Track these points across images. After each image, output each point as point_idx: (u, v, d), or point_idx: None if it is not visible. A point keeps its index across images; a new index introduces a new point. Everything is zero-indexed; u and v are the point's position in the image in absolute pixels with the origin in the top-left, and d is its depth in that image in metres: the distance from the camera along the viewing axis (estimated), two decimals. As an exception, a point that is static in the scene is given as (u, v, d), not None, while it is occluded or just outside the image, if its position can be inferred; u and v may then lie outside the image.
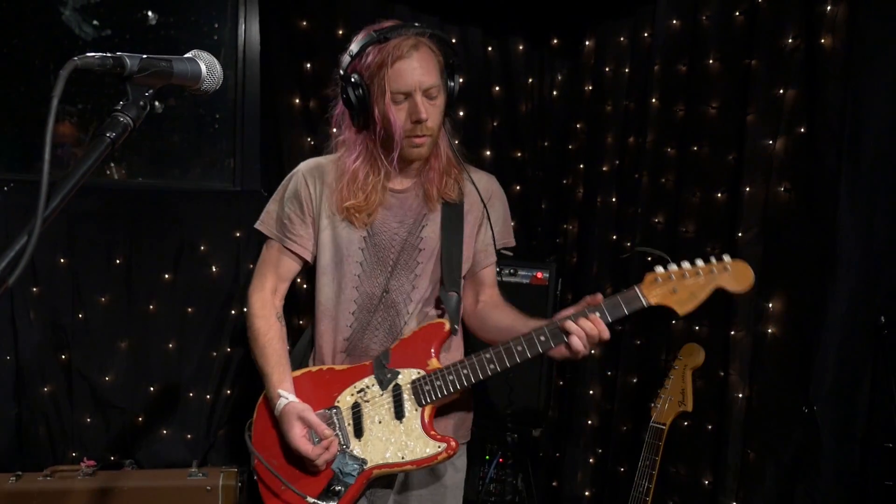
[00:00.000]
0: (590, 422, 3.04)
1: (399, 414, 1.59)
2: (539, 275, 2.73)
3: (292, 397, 1.62)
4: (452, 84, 1.62)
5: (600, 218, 3.03)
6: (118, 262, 2.84)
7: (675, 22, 2.76)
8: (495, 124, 3.21)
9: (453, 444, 1.56)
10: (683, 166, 2.70)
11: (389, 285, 1.67)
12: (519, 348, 1.53)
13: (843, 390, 2.20)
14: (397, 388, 1.60)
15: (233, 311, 2.94)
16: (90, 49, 3.17)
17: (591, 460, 3.04)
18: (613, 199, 3.01)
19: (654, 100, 2.80)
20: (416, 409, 1.58)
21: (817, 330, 2.22)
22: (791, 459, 2.29)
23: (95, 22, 3.15)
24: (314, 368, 1.71)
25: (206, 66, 1.11)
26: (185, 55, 1.11)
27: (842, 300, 2.19)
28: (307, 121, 2.98)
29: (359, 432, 1.61)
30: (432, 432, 1.57)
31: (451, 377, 1.56)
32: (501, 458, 2.73)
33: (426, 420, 1.57)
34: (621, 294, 1.52)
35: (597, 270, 3.04)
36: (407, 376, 1.60)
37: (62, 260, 2.78)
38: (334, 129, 1.72)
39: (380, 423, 1.59)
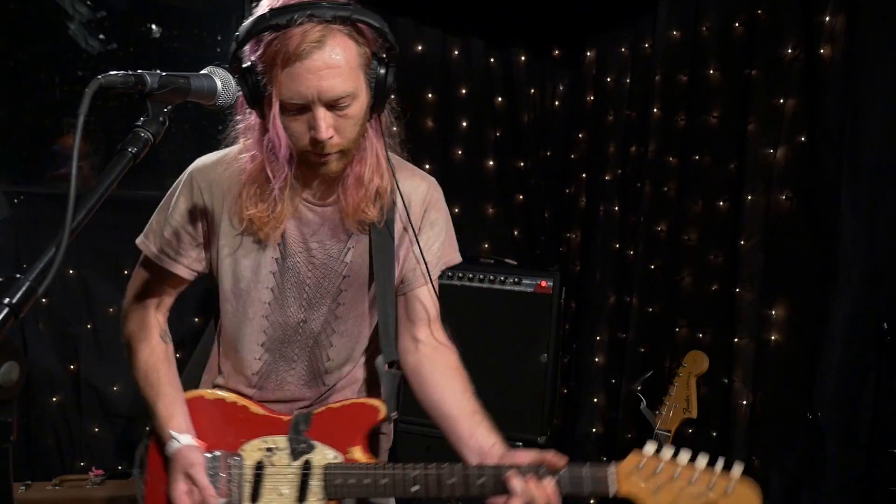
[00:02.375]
0: (594, 430, 3.05)
1: (302, 496, 1.34)
2: (543, 283, 2.75)
3: (185, 439, 1.35)
4: (383, 74, 1.23)
5: (603, 226, 3.06)
6: (126, 273, 2.86)
7: (675, 33, 2.79)
8: (498, 134, 3.24)
9: None
10: (685, 175, 2.73)
11: (308, 315, 1.39)
12: (451, 481, 1.24)
13: (846, 396, 2.21)
14: (308, 465, 1.34)
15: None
16: (95, 63, 3.21)
17: (595, 468, 3.04)
18: (616, 208, 3.04)
19: (655, 109, 2.83)
20: (321, 500, 1.33)
21: (820, 336, 2.24)
22: (795, 465, 2.30)
23: (101, 36, 3.18)
24: (229, 397, 1.43)
25: (222, 81, 1.14)
26: (202, 72, 1.14)
27: (844, 307, 2.21)
28: (312, 132, 3.00)
29: (255, 496, 1.36)
30: None
31: (367, 480, 1.29)
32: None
33: None
34: (592, 468, 1.21)
35: (600, 278, 3.07)
36: (321, 456, 1.34)
37: (71, 271, 2.80)
38: (238, 115, 1.33)
39: (279, 496, 1.35)
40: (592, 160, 3.14)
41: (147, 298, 1.47)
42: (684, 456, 1.20)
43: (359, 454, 1.35)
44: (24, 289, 0.78)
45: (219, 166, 1.39)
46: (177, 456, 1.33)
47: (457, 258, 1.49)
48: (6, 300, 0.76)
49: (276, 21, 1.15)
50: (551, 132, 3.32)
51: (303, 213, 1.36)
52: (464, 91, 3.16)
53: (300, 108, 1.20)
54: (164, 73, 1.01)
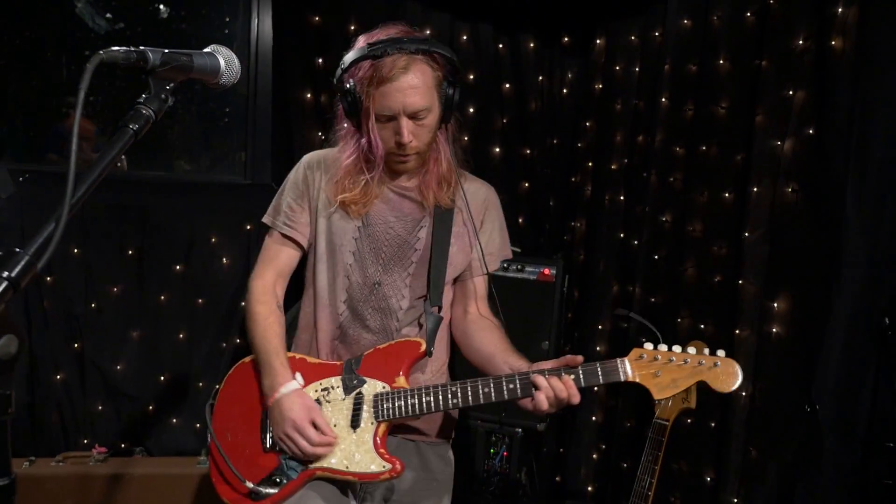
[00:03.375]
0: (594, 418, 3.06)
1: (355, 423, 1.56)
2: (546, 271, 2.75)
3: (299, 385, 1.60)
4: (451, 93, 1.58)
5: (608, 216, 3.05)
6: (130, 253, 2.88)
7: (686, 22, 2.77)
8: (505, 121, 3.22)
9: (398, 467, 1.53)
10: (692, 166, 2.72)
11: (382, 278, 1.65)
12: (486, 390, 1.50)
13: (846, 390, 2.21)
14: (360, 396, 1.58)
15: (242, 303, 2.96)
16: (102, 42, 3.20)
17: (594, 456, 3.06)
18: (621, 198, 3.03)
19: (663, 99, 2.81)
20: (372, 423, 1.55)
21: (822, 330, 2.24)
22: (793, 458, 2.31)
23: (108, 15, 3.18)
24: (287, 354, 1.67)
25: (225, 60, 1.14)
26: (205, 50, 1.13)
27: (847, 301, 2.21)
28: (318, 115, 3.01)
29: None
30: (381, 450, 1.54)
31: (412, 401, 1.54)
32: (506, 452, 2.76)
33: (379, 436, 1.55)
34: (602, 363, 1.48)
35: (603, 268, 3.06)
36: (372, 387, 1.58)
37: (75, 250, 2.82)
38: (338, 125, 1.71)
39: (335, 426, 1.56)
40: (599, 149, 3.12)
41: (269, 268, 1.73)
42: (677, 348, 1.50)
43: (403, 382, 1.57)
44: (23, 263, 0.78)
45: (324, 158, 1.73)
46: (299, 393, 1.57)
47: (509, 254, 1.80)
48: (5, 273, 0.76)
49: (374, 52, 1.51)
50: (558, 120, 3.30)
51: (388, 196, 1.68)
52: (471, 77, 3.14)
53: (388, 119, 1.54)
54: (166, 50, 1.01)
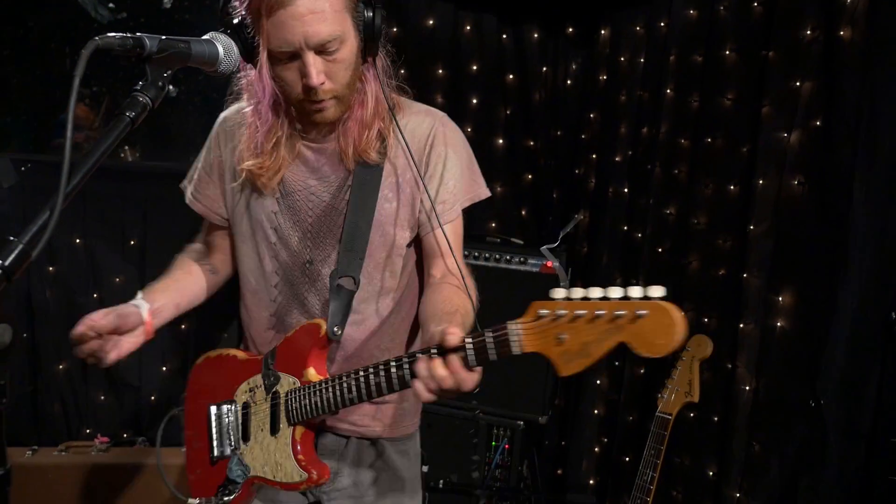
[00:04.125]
0: (596, 411, 3.05)
1: (274, 428, 1.38)
2: (549, 264, 2.74)
3: (140, 303, 1.43)
4: (371, 16, 1.25)
5: (612, 208, 3.03)
6: (133, 242, 2.88)
7: (691, 12, 2.74)
8: (508, 112, 3.20)
9: (315, 476, 1.34)
10: (697, 158, 2.69)
11: (313, 255, 1.40)
12: (377, 381, 1.22)
13: (850, 385, 2.20)
14: (276, 396, 1.38)
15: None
16: (105, 32, 3.19)
17: (596, 449, 3.06)
18: (625, 190, 3.01)
19: (668, 90, 2.78)
20: (288, 427, 1.36)
21: (826, 324, 2.22)
22: (796, 452, 2.30)
23: (111, 5, 3.16)
24: (224, 352, 1.52)
25: (224, 48, 1.13)
26: (203, 37, 1.12)
27: (852, 295, 2.19)
28: (321, 106, 2.99)
29: (246, 436, 1.43)
30: (300, 456, 1.35)
31: (315, 398, 1.31)
32: (507, 444, 2.76)
33: (297, 440, 1.36)
34: (491, 333, 1.07)
35: (607, 261, 3.05)
36: (285, 384, 1.38)
37: (78, 240, 2.82)
38: (241, 72, 1.36)
39: (262, 431, 1.41)
40: (603, 141, 3.10)
41: (198, 238, 1.61)
42: (594, 292, 0.97)
43: (312, 374, 1.35)
44: (17, 252, 0.77)
45: (235, 116, 1.45)
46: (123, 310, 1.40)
47: (483, 192, 1.47)
48: (-1, 262, 0.76)
49: None
50: (562, 111, 3.27)
51: (303, 154, 1.39)
52: (475, 67, 3.12)
53: (290, 56, 1.22)
54: (163, 37, 1.00)
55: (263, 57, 1.23)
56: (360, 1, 1.26)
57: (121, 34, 0.94)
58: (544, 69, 3.23)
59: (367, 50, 1.29)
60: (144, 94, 0.97)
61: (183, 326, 2.93)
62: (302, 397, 1.33)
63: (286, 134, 1.36)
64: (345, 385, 1.26)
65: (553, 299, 1.01)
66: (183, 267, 1.56)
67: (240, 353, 1.50)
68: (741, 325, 2.45)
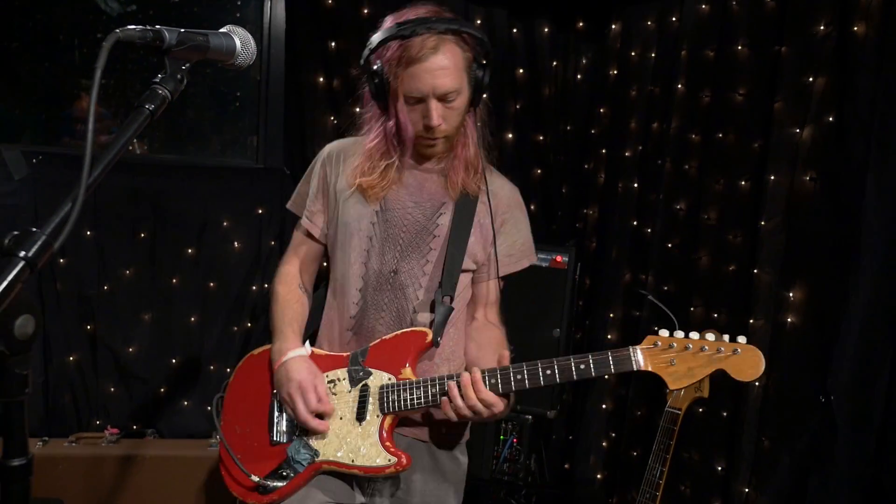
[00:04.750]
0: (604, 406, 3.05)
1: (360, 416, 1.53)
2: (558, 258, 2.74)
3: (307, 349, 1.61)
4: (481, 75, 1.53)
5: (621, 204, 3.03)
6: (143, 236, 2.89)
7: (703, 6, 2.72)
8: (518, 107, 3.20)
9: (404, 461, 1.49)
10: (707, 153, 2.68)
11: (399, 266, 1.59)
12: (433, 391, 1.49)
13: (861, 381, 2.19)
14: (365, 388, 1.54)
15: (253, 287, 2.97)
16: (114, 25, 3.19)
17: (604, 444, 3.06)
18: (635, 185, 3.00)
19: (679, 85, 2.77)
20: (378, 416, 1.52)
21: (837, 320, 2.21)
22: (806, 448, 2.29)
23: (121, -2, 3.17)
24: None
25: (241, 41, 1.13)
26: (221, 30, 1.12)
27: (864, 291, 2.18)
28: (331, 100, 2.99)
29: None
30: (387, 443, 1.50)
31: (417, 392, 1.50)
32: (516, 438, 2.76)
33: (385, 429, 1.51)
34: (614, 352, 1.41)
35: (616, 256, 3.04)
36: (378, 379, 1.54)
37: (88, 233, 2.83)
38: (361, 108, 1.68)
39: (341, 419, 1.54)
40: (613, 136, 3.09)
41: (293, 255, 1.75)
42: (694, 334, 1.41)
43: (408, 373, 1.53)
44: (40, 242, 0.77)
45: (343, 147, 1.69)
46: (304, 358, 1.58)
47: (535, 259, 1.74)
48: (22, 253, 0.76)
49: (402, 32, 1.46)
50: (572, 106, 3.26)
51: (408, 181, 1.62)
52: (489, 73, 3.11)
53: (417, 101, 1.49)
54: (182, 30, 1.00)
55: (400, 101, 1.50)
56: (475, 62, 1.52)
57: (140, 27, 0.93)
58: (554, 64, 3.22)
59: (474, 101, 1.56)
60: (164, 87, 0.96)
61: (193, 320, 2.94)
62: (401, 391, 1.51)
63: (397, 161, 1.59)
64: (439, 387, 1.47)
65: (661, 334, 1.43)
66: (297, 300, 1.71)
67: (317, 350, 1.64)
68: (751, 321, 2.44)
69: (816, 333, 2.30)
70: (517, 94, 3.18)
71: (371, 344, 1.58)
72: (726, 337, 1.40)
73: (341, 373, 1.58)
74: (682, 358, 1.40)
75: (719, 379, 2.46)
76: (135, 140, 3.41)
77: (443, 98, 1.48)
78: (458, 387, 1.43)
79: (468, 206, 1.60)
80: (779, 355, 2.39)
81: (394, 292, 1.59)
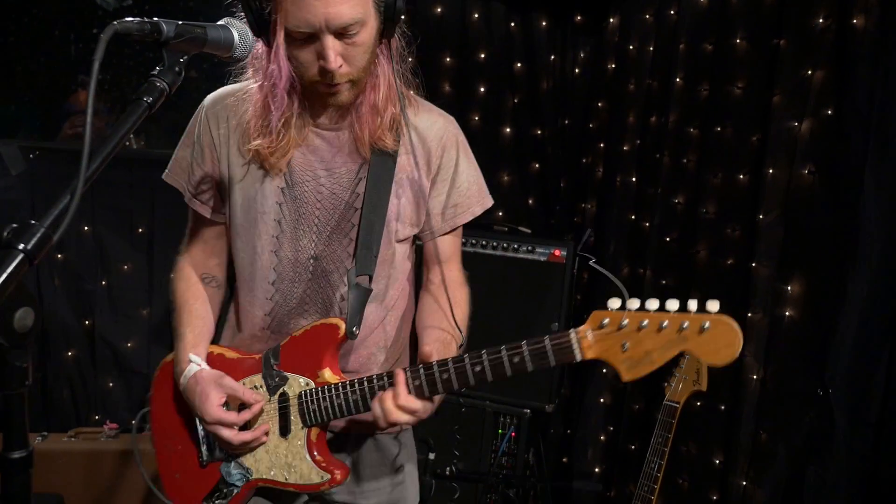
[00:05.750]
0: (602, 400, 3.06)
1: (284, 430, 1.33)
2: (556, 253, 2.74)
3: (205, 364, 1.36)
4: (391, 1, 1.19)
5: (619, 198, 3.02)
6: (140, 231, 2.89)
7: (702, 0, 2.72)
8: (516, 101, 3.19)
9: (338, 476, 1.31)
10: (706, 147, 2.68)
11: (320, 251, 1.33)
12: (354, 398, 1.26)
13: (859, 374, 2.19)
14: (284, 397, 1.33)
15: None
16: (110, 19, 3.18)
17: (602, 437, 3.07)
18: (633, 179, 3.00)
19: (678, 79, 2.77)
20: (302, 429, 1.32)
21: (835, 313, 2.22)
22: (803, 441, 2.30)
23: (117, -8, 3.16)
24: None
25: (239, 34, 1.13)
26: (219, 22, 1.12)
27: (862, 285, 2.18)
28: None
29: None
30: (318, 458, 1.31)
31: (338, 400, 1.27)
32: (514, 432, 2.77)
33: (313, 441, 1.32)
34: (551, 339, 1.12)
35: (614, 250, 3.04)
36: (295, 385, 1.32)
37: (86, 228, 2.83)
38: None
39: (266, 434, 1.34)
40: (611, 130, 3.09)
41: (192, 241, 1.48)
42: (652, 303, 1.06)
43: (328, 375, 1.31)
44: (38, 235, 0.77)
45: (228, 98, 1.36)
46: (200, 374, 1.33)
47: (489, 201, 1.45)
48: (21, 246, 0.76)
49: None
50: (570, 100, 3.26)
51: (312, 141, 1.32)
52: (482, 56, 3.10)
53: (308, 37, 1.17)
54: (180, 22, 1.00)
55: (280, 36, 1.17)
56: None
57: (139, 19, 0.94)
58: (552, 57, 3.22)
59: (385, 32, 1.23)
60: (162, 80, 0.97)
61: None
62: (321, 399, 1.29)
63: (296, 114, 1.29)
64: (369, 387, 1.25)
65: (611, 309, 1.08)
66: (198, 298, 1.45)
67: (228, 352, 1.41)
68: (749, 315, 2.44)
69: (814, 327, 2.31)
70: (515, 88, 3.18)
71: (282, 342, 1.35)
72: (693, 305, 1.06)
73: (258, 379, 1.36)
74: (636, 339, 1.07)
75: (717, 372, 2.48)
76: (132, 135, 3.41)
77: (341, 32, 1.16)
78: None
79: (385, 163, 1.31)
80: (777, 349, 2.40)
81: (316, 282, 1.34)
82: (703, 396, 2.37)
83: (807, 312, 2.34)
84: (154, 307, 2.90)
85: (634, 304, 1.07)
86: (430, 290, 1.43)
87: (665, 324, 1.05)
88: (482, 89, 3.10)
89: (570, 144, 3.27)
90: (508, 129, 3.18)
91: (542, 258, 2.74)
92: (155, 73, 0.97)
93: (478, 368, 1.16)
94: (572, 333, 1.11)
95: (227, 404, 1.33)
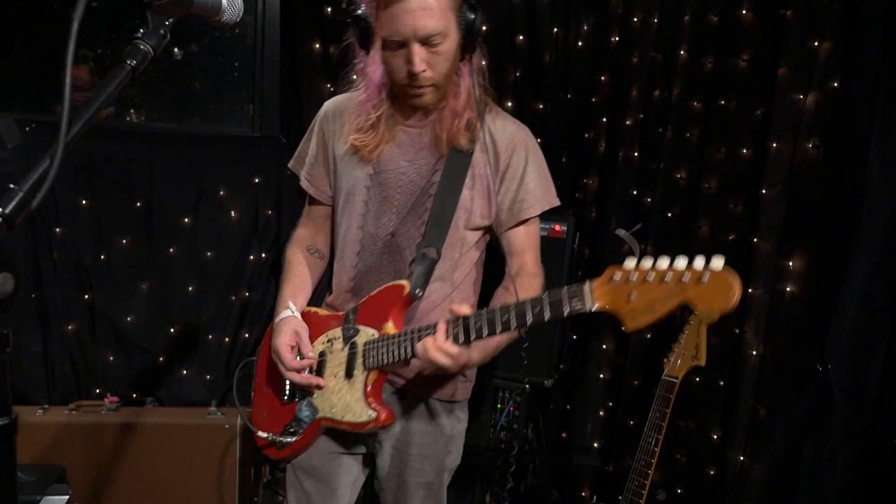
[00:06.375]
0: (601, 375, 3.06)
1: (349, 373, 1.55)
2: (557, 228, 2.71)
3: (297, 313, 1.63)
4: (472, 18, 1.44)
5: (621, 173, 2.99)
6: (139, 204, 2.87)
7: (708, -30, 2.66)
8: (518, 75, 3.14)
9: (382, 416, 1.51)
10: (709, 120, 2.64)
11: (396, 228, 1.57)
12: (405, 344, 1.47)
13: (859, 351, 2.19)
14: (354, 346, 1.56)
15: (251, 257, 2.96)
16: (109, -8, 3.14)
17: (601, 413, 3.07)
18: (636, 154, 2.97)
19: (682, 51, 2.72)
20: (363, 372, 1.53)
21: (837, 289, 2.20)
22: (802, 417, 2.30)
23: (115, -37, 3.11)
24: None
25: (227, -3, 1.10)
26: (206, -16, 1.09)
27: (864, 261, 2.16)
28: (327, 67, 2.94)
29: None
30: (370, 398, 1.53)
31: (393, 348, 1.48)
32: (513, 407, 2.77)
33: (368, 384, 1.53)
34: (567, 289, 1.24)
35: (615, 225, 3.02)
36: (364, 335, 1.55)
37: (84, 201, 2.81)
38: (355, 59, 1.61)
39: (335, 377, 1.58)
40: (614, 104, 3.04)
41: (306, 218, 1.77)
42: (662, 261, 1.14)
43: (390, 328, 1.52)
44: (17, 199, 0.76)
45: (341, 102, 1.66)
46: (289, 319, 1.60)
47: (556, 201, 1.65)
48: (-1, 210, 0.74)
49: None
50: (573, 74, 3.21)
51: (399, 137, 1.57)
52: (484, 28, 3.03)
53: (399, 45, 1.41)
54: (164, -18, 0.97)
55: (378, 44, 1.43)
56: (465, 2, 1.44)
57: (120, -22, 0.91)
58: (555, 30, 3.16)
59: (466, 47, 1.47)
60: (146, 42, 0.94)
61: (190, 289, 2.94)
62: (381, 346, 1.50)
63: (387, 114, 1.54)
64: (411, 338, 1.44)
65: (624, 265, 1.19)
66: (302, 263, 1.73)
67: (321, 311, 1.69)
68: (750, 290, 2.43)
69: (815, 303, 2.29)
70: (517, 61, 3.13)
71: (360, 301, 1.60)
72: (699, 261, 1.12)
73: (338, 332, 1.61)
74: (642, 291, 1.15)
75: (716, 347, 2.47)
76: (131, 109, 3.38)
77: (426, 41, 1.40)
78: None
79: (460, 160, 1.54)
80: (777, 324, 2.38)
81: (391, 255, 1.59)
82: (702, 372, 2.36)
83: (808, 288, 2.32)
84: (153, 281, 2.90)
85: (648, 262, 1.17)
86: (507, 281, 1.61)
87: (668, 277, 1.14)
88: (483, 62, 3.05)
89: (572, 119, 3.22)
90: (510, 104, 3.13)
91: (543, 233, 2.70)
92: (139, 35, 0.95)
93: (504, 318, 1.32)
94: (586, 283, 1.23)
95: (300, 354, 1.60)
